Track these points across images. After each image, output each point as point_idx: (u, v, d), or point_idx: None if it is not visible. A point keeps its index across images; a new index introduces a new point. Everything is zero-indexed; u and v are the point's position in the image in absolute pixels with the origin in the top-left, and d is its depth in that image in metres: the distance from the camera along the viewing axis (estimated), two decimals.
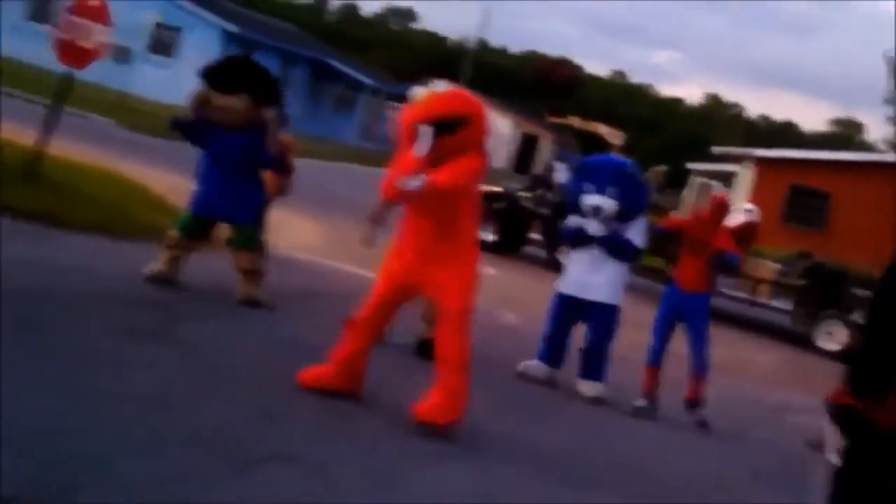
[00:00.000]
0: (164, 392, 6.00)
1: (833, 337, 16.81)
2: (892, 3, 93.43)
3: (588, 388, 8.96)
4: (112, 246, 9.97)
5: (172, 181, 14.17)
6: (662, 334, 9.05)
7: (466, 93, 7.18)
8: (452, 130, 6.56)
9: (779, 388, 12.54)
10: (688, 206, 34.37)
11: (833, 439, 6.87)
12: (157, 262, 8.90)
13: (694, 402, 9.00)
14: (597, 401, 8.88)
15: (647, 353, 9.08)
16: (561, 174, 20.55)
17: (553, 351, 9.15)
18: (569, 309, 9.12)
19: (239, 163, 9.00)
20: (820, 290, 17.44)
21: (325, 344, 7.02)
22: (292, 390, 6.74)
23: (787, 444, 9.43)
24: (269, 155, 9.05)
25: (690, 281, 8.96)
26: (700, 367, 8.97)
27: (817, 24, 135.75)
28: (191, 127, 9.01)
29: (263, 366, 7.21)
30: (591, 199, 8.99)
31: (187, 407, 5.87)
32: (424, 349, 8.45)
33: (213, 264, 9.64)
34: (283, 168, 9.50)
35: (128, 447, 4.99)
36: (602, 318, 9.01)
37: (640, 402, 8.94)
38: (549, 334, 9.18)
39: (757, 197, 24.34)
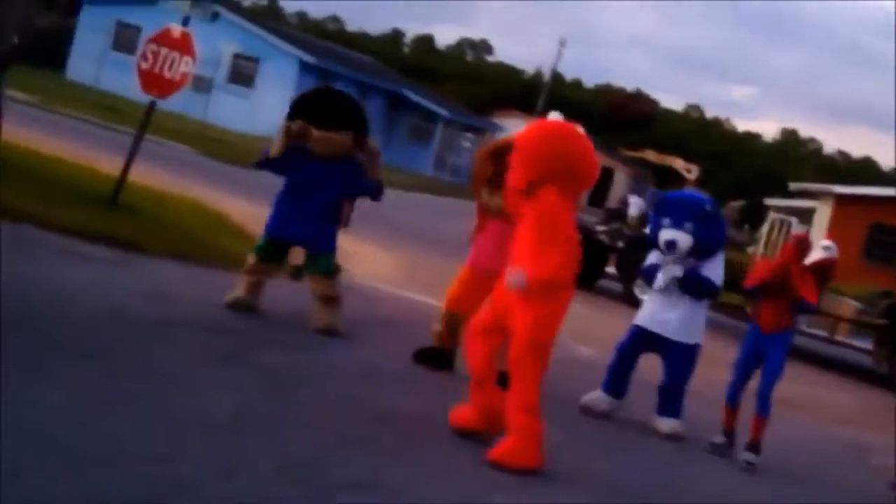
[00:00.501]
0: (241, 418, 6.04)
1: None
2: None
3: (665, 424, 8.87)
4: (190, 272, 10.08)
5: (249, 209, 14.32)
6: (743, 373, 8.91)
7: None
8: None
9: (858, 429, 12.28)
10: (765, 243, 33.97)
11: None
12: (237, 288, 8.98)
13: (754, 444, 8.77)
14: (674, 437, 8.78)
15: (727, 391, 8.94)
16: (634, 207, 20.44)
17: (617, 382, 9.07)
18: (642, 342, 9.02)
19: (335, 193, 9.12)
20: None
21: (398, 372, 7.03)
22: (369, 417, 6.75)
23: (868, 485, 9.23)
24: (371, 183, 9.22)
25: (770, 322, 8.80)
26: (765, 409, 8.77)
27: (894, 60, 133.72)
28: (280, 160, 9.10)
29: (340, 393, 7.23)
30: (666, 234, 8.92)
31: (265, 433, 5.90)
32: (420, 356, 8.71)
33: (288, 291, 9.69)
34: (381, 194, 9.56)
35: (207, 472, 5.03)
36: (679, 356, 8.91)
37: (718, 439, 8.80)
38: (616, 365, 9.10)
39: (835, 234, 23.91)
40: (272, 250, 9.16)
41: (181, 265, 10.20)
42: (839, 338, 18.29)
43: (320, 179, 9.02)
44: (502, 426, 6.64)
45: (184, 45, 11.83)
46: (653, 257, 9.16)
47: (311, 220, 9.03)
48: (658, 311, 8.97)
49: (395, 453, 6.28)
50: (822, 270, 16.90)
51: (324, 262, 9.13)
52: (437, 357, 8.83)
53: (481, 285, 8.40)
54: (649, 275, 9.12)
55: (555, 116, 7.76)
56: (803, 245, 9.15)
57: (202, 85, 37.51)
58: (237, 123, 36.60)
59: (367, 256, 13.58)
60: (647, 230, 9.72)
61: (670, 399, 8.93)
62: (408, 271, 14.69)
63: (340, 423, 6.52)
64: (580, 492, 6.57)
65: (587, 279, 19.53)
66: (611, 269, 20.12)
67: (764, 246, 33.10)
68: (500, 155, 8.48)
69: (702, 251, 8.93)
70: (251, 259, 9.09)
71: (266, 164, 9.14)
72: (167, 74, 11.74)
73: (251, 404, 6.40)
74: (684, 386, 8.95)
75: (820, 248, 17.82)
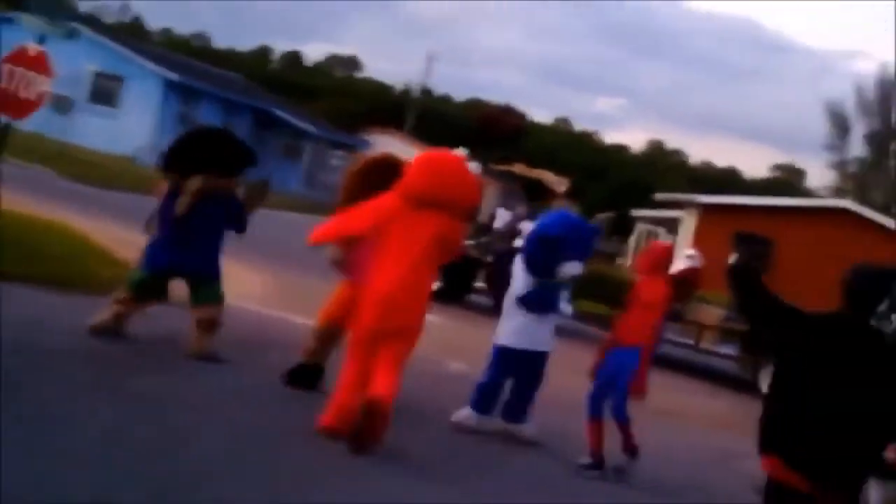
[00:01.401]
0: (110, 447, 5.91)
1: None
2: (829, 51, 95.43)
3: (528, 430, 9.04)
4: (56, 299, 9.84)
5: (117, 232, 14.03)
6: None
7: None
8: None
9: (725, 434, 12.56)
10: (633, 253, 34.63)
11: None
12: (103, 312, 8.81)
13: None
14: (534, 442, 8.97)
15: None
16: (500, 221, 20.55)
17: (488, 399, 9.11)
18: (510, 360, 9.07)
19: (220, 224, 9.14)
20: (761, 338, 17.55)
21: (273, 393, 6.96)
22: (240, 439, 6.69)
23: (736, 489, 9.43)
24: (246, 219, 9.36)
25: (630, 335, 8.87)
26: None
27: (758, 72, 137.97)
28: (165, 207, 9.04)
29: (211, 416, 7.15)
30: (572, 268, 9.00)
31: (134, 460, 5.79)
32: (291, 376, 8.71)
33: (155, 315, 9.52)
34: (245, 229, 9.52)
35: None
36: (541, 365, 9.11)
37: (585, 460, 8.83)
38: (487, 383, 9.12)
39: (701, 243, 24.48)
40: (151, 284, 9.02)
41: (46, 291, 9.94)
42: (705, 345, 18.67)
43: (207, 213, 8.95)
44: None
45: (40, 64, 11.54)
46: (522, 281, 9.12)
47: (198, 249, 8.97)
48: (525, 325, 9.02)
49: (266, 473, 6.22)
50: (688, 279, 17.27)
51: (214, 290, 9.05)
52: (308, 374, 8.78)
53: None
54: (533, 300, 9.07)
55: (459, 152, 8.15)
56: (661, 255, 9.34)
57: (63, 105, 36.66)
58: (101, 143, 35.81)
59: (236, 277, 13.39)
60: (517, 243, 9.81)
61: (527, 405, 9.11)
62: (278, 291, 14.56)
63: (212, 445, 6.43)
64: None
65: (457, 293, 19.62)
66: (480, 284, 20.22)
67: (632, 257, 33.75)
68: (372, 173, 8.53)
69: None
70: (123, 293, 8.91)
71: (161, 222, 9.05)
72: (23, 94, 11.43)
73: (120, 432, 6.27)
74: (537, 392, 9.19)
75: (685, 258, 18.22)
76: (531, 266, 9.05)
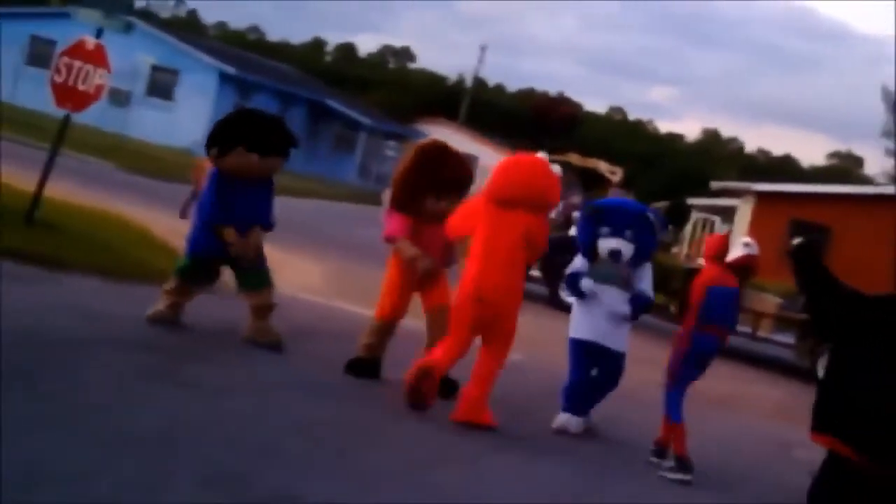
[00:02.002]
0: (164, 434, 5.96)
1: None
2: (886, 37, 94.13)
3: (575, 423, 8.90)
4: (113, 288, 9.94)
5: (172, 223, 14.15)
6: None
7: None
8: None
9: (784, 424, 12.45)
10: (689, 242, 34.34)
11: None
12: (159, 302, 8.89)
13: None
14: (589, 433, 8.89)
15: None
16: (553, 210, 20.45)
17: (578, 398, 8.97)
18: (584, 353, 8.99)
19: (263, 209, 9.13)
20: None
21: (326, 383, 6.98)
22: (295, 429, 6.72)
23: (794, 479, 9.33)
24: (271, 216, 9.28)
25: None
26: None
27: (814, 60, 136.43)
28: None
29: (265, 406, 7.18)
30: (609, 243, 8.87)
31: (189, 448, 5.83)
32: (352, 367, 8.73)
33: (211, 304, 9.60)
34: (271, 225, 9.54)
35: (129, 490, 4.96)
36: (615, 366, 8.95)
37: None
38: (571, 384, 9.00)
39: (756, 231, 24.28)
40: (197, 270, 9.05)
41: (103, 281, 10.04)
42: (762, 333, 18.51)
43: (247, 197, 8.97)
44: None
45: (98, 58, 11.66)
46: (578, 264, 9.10)
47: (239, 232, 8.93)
48: (598, 323, 8.94)
49: (320, 465, 6.24)
50: (744, 268, 17.11)
51: (260, 275, 9.08)
52: (368, 367, 8.81)
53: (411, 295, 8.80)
54: (573, 283, 9.02)
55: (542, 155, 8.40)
56: (720, 245, 9.15)
57: (120, 98, 37.08)
58: (157, 136, 36.21)
59: (293, 267, 13.47)
60: (572, 232, 9.74)
61: (590, 403, 9.01)
62: (335, 281, 14.61)
63: (265, 435, 6.46)
64: None
65: None
66: (534, 272, 20.16)
67: (688, 245, 33.47)
68: (434, 161, 8.59)
69: (639, 258, 8.95)
70: (173, 282, 8.97)
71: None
72: (81, 87, 11.55)
73: (175, 420, 6.32)
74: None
75: (741, 246, 18.07)
76: (580, 244, 9.12)
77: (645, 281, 9.04)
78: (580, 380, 8.95)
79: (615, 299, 8.91)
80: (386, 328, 8.91)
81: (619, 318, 8.88)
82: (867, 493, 4.79)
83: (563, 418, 8.90)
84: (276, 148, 9.03)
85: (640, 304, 8.97)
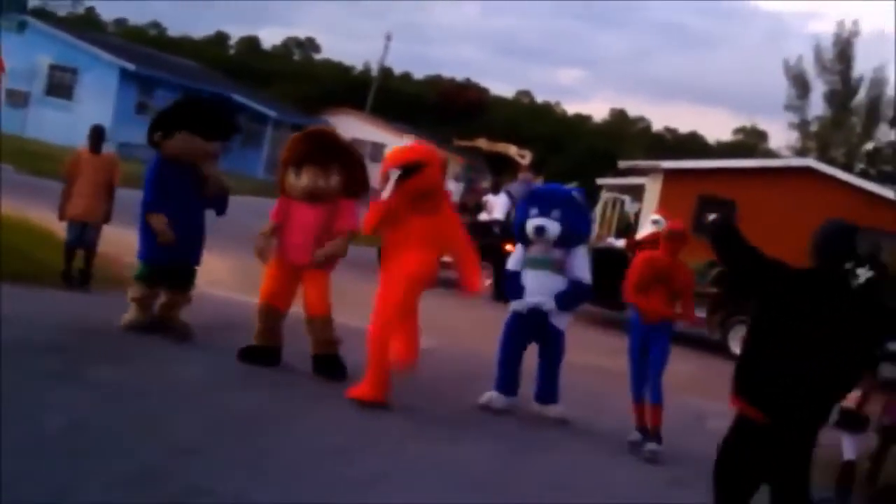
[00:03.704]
0: (75, 436, 5.87)
1: None
2: (786, 13, 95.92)
3: (555, 409, 9.24)
4: (19, 292, 9.76)
5: None
6: (638, 366, 9.00)
7: (424, 144, 9.12)
8: (412, 174, 8.36)
9: (697, 396, 12.62)
10: (599, 222, 34.66)
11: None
12: (130, 311, 9.14)
13: (655, 433, 8.90)
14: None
15: (631, 387, 9.06)
16: (454, 194, 20.58)
17: (510, 377, 9.22)
18: (523, 330, 9.17)
19: (200, 201, 9.29)
20: (730, 297, 17.63)
21: (237, 375, 6.92)
22: (208, 423, 6.67)
23: (709, 449, 9.45)
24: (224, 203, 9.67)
25: (653, 313, 8.90)
26: (657, 397, 8.92)
27: (716, 37, 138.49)
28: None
29: (177, 401, 7.13)
30: (535, 221, 9.08)
31: (100, 449, 5.76)
32: (245, 355, 8.87)
33: (119, 304, 9.48)
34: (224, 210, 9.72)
35: (39, 495, 4.87)
36: (557, 341, 9.22)
37: (634, 436, 8.96)
38: (504, 358, 9.23)
39: (665, 208, 24.55)
40: (156, 274, 9.07)
41: (11, 284, 9.87)
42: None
43: (185, 182, 9.14)
44: None
45: None
46: (514, 259, 9.27)
47: (190, 236, 9.02)
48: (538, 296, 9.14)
49: (234, 459, 6.19)
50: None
51: (190, 280, 9.33)
52: (260, 354, 8.79)
53: (292, 278, 8.88)
54: (512, 285, 9.22)
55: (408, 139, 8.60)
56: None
57: (18, 99, 36.27)
58: (58, 137, 35.45)
59: (204, 264, 13.31)
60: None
61: (554, 386, 9.28)
62: (243, 275, 14.47)
63: (177, 432, 6.40)
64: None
65: None
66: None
67: (598, 225, 33.77)
68: (311, 138, 8.63)
69: (569, 240, 9.09)
70: (138, 288, 9.00)
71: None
72: None
73: (85, 421, 6.23)
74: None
75: (650, 223, 18.28)
76: (515, 228, 9.50)
77: (580, 268, 9.21)
78: (510, 358, 9.19)
79: (552, 283, 9.06)
80: (266, 311, 8.95)
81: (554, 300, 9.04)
82: (769, 453, 5.01)
83: (487, 395, 9.01)
84: (219, 131, 9.09)
85: (579, 292, 9.15)
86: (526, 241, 9.32)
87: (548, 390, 9.24)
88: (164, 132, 8.93)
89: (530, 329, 9.20)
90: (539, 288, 9.11)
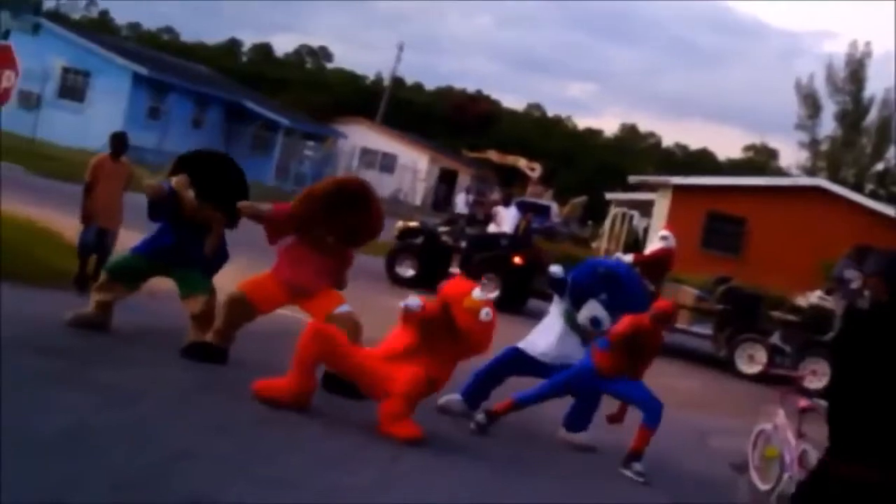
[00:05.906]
0: (74, 439, 5.86)
1: (752, 360, 16.94)
2: (799, 32, 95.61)
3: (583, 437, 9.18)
4: (22, 292, 9.76)
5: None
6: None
7: None
8: None
9: (701, 413, 12.59)
10: (608, 237, 34.63)
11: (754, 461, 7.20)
12: (88, 305, 8.94)
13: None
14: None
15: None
16: (460, 205, 20.56)
17: (480, 391, 9.14)
18: (521, 365, 9.20)
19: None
20: (737, 314, 17.57)
21: (237, 382, 6.93)
22: (207, 428, 6.67)
23: (711, 468, 9.46)
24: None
25: (611, 368, 8.85)
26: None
27: (729, 55, 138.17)
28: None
29: (177, 407, 7.12)
30: (593, 310, 9.20)
31: (99, 452, 5.74)
32: (189, 351, 8.74)
33: (124, 306, 9.48)
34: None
35: (35, 497, 4.86)
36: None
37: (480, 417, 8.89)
38: (484, 375, 9.17)
39: (674, 224, 24.54)
40: (131, 269, 9.01)
41: (13, 285, 9.85)
42: (680, 325, 18.68)
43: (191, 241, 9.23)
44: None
45: (5, 59, 11.43)
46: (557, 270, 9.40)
47: (186, 250, 9.14)
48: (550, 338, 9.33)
49: (234, 467, 6.18)
50: (661, 260, 17.31)
51: (195, 279, 9.20)
52: (209, 352, 8.77)
53: (277, 291, 8.88)
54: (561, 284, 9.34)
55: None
56: (663, 319, 9.11)
57: (30, 100, 36.35)
58: (68, 139, 35.52)
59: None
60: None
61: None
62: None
63: (178, 438, 6.38)
64: None
65: (432, 279, 19.57)
66: (454, 270, 20.19)
67: (607, 240, 33.75)
68: (338, 200, 8.63)
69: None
70: (102, 277, 8.94)
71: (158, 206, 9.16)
72: None
73: (85, 424, 6.22)
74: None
75: (658, 239, 18.26)
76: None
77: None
78: (489, 375, 9.16)
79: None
80: (241, 307, 8.90)
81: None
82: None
83: (447, 397, 9.02)
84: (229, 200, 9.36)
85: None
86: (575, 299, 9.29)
87: (580, 423, 9.17)
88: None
89: (527, 368, 9.18)
90: (574, 351, 9.10)
